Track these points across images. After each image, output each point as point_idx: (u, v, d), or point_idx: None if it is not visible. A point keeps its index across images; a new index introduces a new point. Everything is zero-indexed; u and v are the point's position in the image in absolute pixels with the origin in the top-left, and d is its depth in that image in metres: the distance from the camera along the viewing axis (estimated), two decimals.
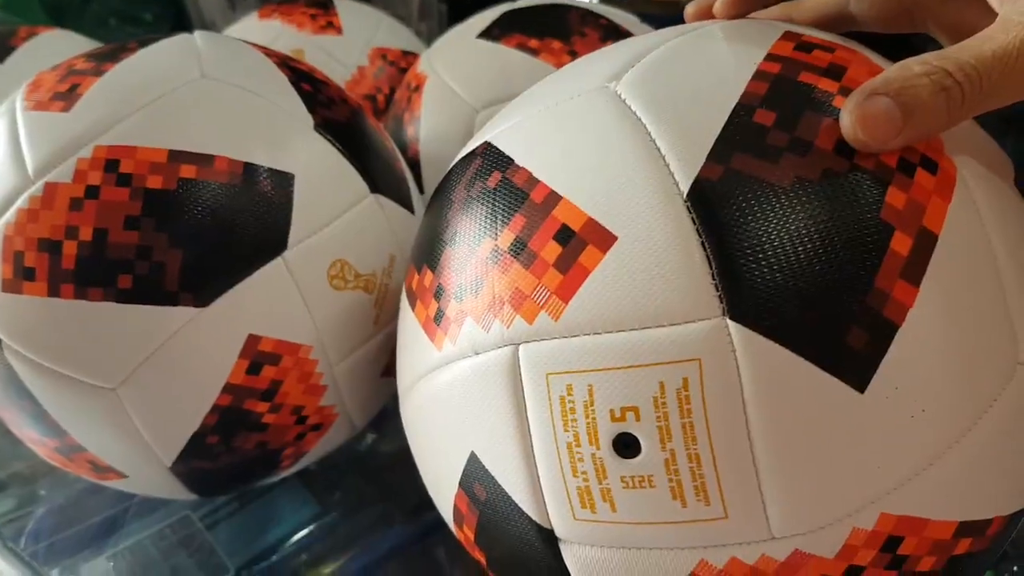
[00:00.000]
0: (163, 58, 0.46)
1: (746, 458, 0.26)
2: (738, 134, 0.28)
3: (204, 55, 0.46)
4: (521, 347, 0.29)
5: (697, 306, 0.26)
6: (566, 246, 0.28)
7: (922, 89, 0.27)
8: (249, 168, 0.42)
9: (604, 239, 0.28)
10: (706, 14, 0.37)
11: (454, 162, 0.37)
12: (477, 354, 0.31)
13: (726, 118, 0.29)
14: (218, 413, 0.43)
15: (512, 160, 0.32)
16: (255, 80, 0.46)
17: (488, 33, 0.63)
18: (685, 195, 0.27)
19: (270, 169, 0.43)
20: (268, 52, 0.50)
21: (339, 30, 0.80)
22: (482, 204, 0.32)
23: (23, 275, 0.40)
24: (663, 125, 0.29)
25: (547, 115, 0.33)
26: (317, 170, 0.45)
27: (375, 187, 0.48)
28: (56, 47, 0.75)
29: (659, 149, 0.29)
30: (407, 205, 0.51)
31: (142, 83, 0.43)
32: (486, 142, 0.35)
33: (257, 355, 0.42)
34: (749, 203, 0.27)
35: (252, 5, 0.87)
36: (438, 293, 0.33)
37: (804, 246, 0.26)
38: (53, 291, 0.40)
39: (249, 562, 0.53)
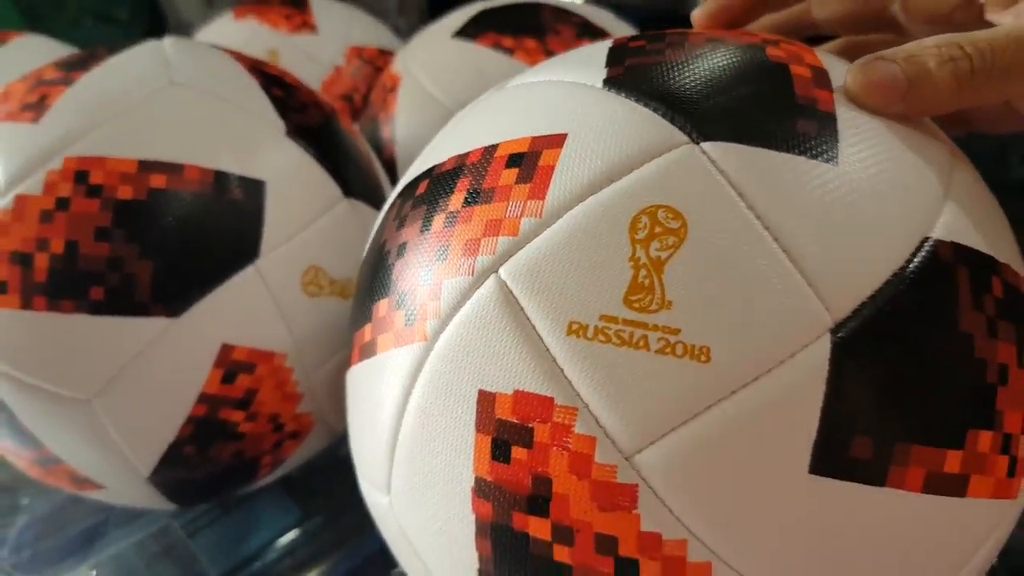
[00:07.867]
0: (132, 66, 0.45)
1: None
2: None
3: (173, 62, 0.46)
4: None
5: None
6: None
7: (930, 59, 0.28)
8: (219, 176, 0.42)
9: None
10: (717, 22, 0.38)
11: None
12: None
13: None
14: (194, 423, 0.42)
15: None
16: (225, 86, 0.45)
17: (463, 32, 0.62)
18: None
19: (241, 177, 0.42)
20: (238, 57, 0.50)
21: (314, 29, 0.79)
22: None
23: None
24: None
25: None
26: (289, 176, 0.44)
27: (349, 191, 0.47)
28: (26, 52, 0.74)
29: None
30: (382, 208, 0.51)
31: (111, 92, 0.43)
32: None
33: (231, 364, 0.42)
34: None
35: (229, 2, 0.86)
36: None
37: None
38: (26, 304, 0.39)
39: (232, 569, 0.53)
